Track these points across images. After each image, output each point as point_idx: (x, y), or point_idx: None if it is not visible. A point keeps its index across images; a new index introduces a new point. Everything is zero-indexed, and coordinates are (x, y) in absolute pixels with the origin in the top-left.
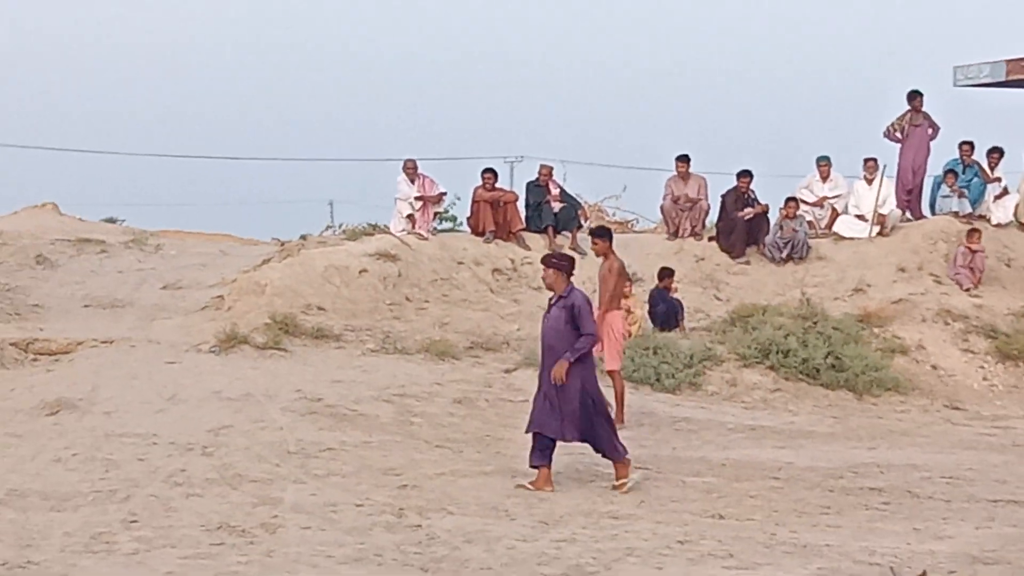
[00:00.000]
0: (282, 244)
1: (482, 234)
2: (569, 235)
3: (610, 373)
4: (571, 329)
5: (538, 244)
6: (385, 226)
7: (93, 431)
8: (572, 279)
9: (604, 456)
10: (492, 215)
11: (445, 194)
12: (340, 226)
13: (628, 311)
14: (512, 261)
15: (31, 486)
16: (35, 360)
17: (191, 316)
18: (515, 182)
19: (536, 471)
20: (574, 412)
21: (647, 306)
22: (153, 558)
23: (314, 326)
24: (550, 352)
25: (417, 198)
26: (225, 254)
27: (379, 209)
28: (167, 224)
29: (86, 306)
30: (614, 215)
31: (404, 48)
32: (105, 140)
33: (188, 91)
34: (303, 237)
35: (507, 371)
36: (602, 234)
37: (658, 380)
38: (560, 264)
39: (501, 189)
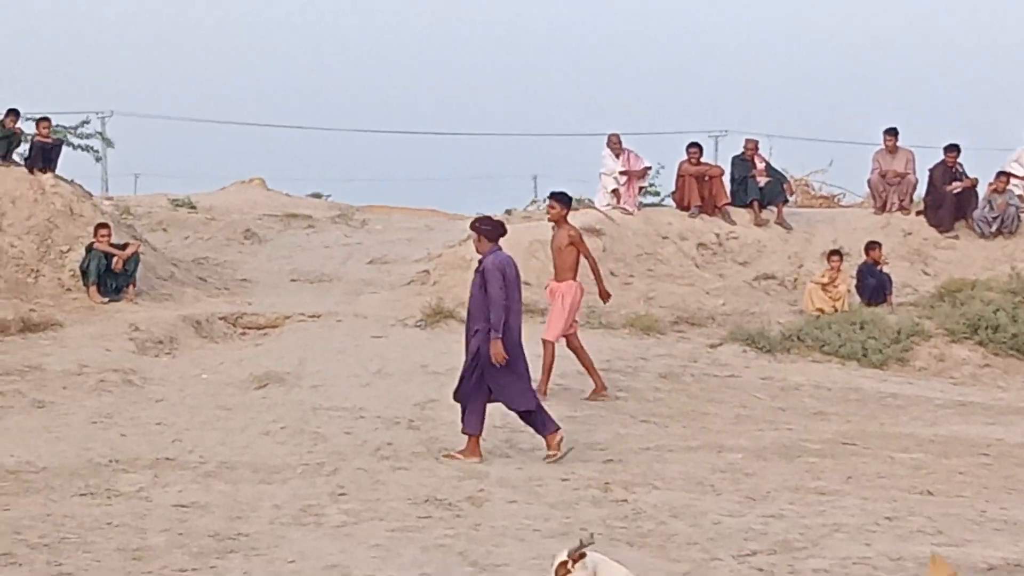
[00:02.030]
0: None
1: (687, 208)
2: (775, 209)
3: (543, 341)
4: (484, 294)
5: (743, 218)
6: (590, 200)
7: (301, 404)
8: (499, 244)
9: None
10: (697, 189)
11: (650, 169)
12: (545, 200)
13: (832, 285)
14: (717, 236)
15: (241, 459)
16: (243, 334)
17: (397, 290)
18: (720, 156)
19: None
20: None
21: (854, 280)
22: (361, 530)
23: None
24: (470, 318)
25: (622, 173)
26: (430, 229)
27: (583, 184)
28: (373, 199)
29: (293, 280)
30: (820, 189)
31: (609, 22)
32: (312, 116)
33: (394, 67)
34: (508, 212)
35: (712, 346)
36: (560, 199)
37: (865, 355)
38: (482, 228)
39: (706, 163)
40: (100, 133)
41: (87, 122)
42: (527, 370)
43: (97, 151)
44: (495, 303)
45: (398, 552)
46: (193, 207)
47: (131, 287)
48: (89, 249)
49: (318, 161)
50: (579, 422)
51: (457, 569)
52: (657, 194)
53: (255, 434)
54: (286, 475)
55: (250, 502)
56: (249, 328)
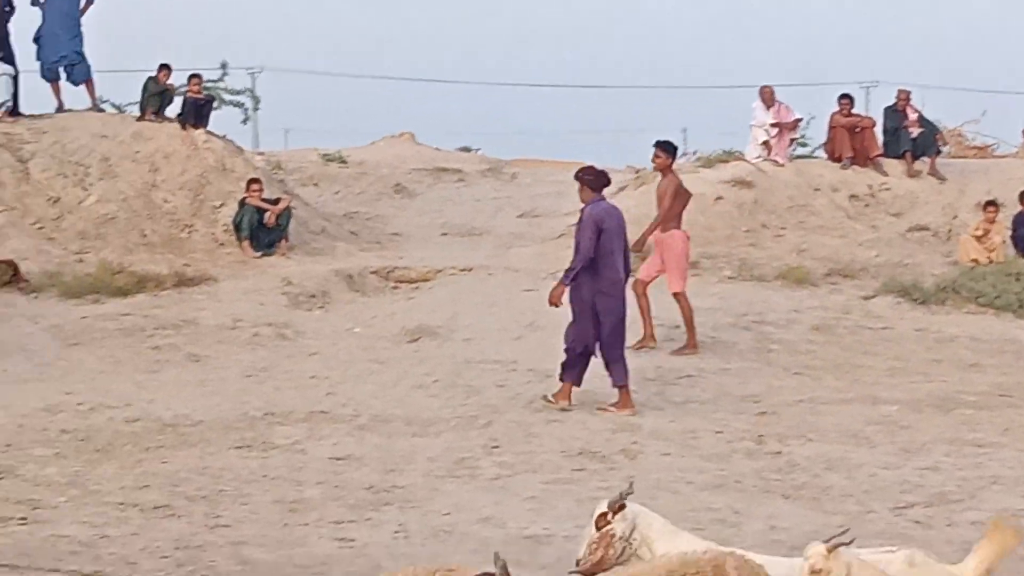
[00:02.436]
0: (637, 172)
1: (839, 160)
2: (927, 160)
3: (675, 295)
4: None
5: (896, 170)
6: (740, 153)
7: (453, 358)
8: (602, 194)
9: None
10: (849, 141)
11: (801, 120)
12: (695, 153)
13: (987, 236)
14: (870, 187)
15: (394, 412)
16: (395, 288)
17: (547, 244)
18: (871, 107)
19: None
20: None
21: (1009, 231)
22: (515, 483)
23: None
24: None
25: (773, 125)
26: None
27: (734, 136)
28: (522, 153)
29: (444, 234)
30: (974, 140)
31: None
32: (461, 69)
33: (542, 19)
34: None
35: (866, 298)
36: (666, 148)
37: (1021, 307)
38: (584, 178)
39: (858, 115)
40: (250, 90)
41: (226, 73)
42: (622, 320)
43: (246, 107)
44: (581, 253)
45: (552, 504)
46: (344, 162)
47: (283, 241)
48: (242, 204)
49: (467, 115)
50: (732, 374)
51: None
52: (806, 145)
53: (408, 387)
54: (439, 428)
55: (404, 455)
56: (401, 282)
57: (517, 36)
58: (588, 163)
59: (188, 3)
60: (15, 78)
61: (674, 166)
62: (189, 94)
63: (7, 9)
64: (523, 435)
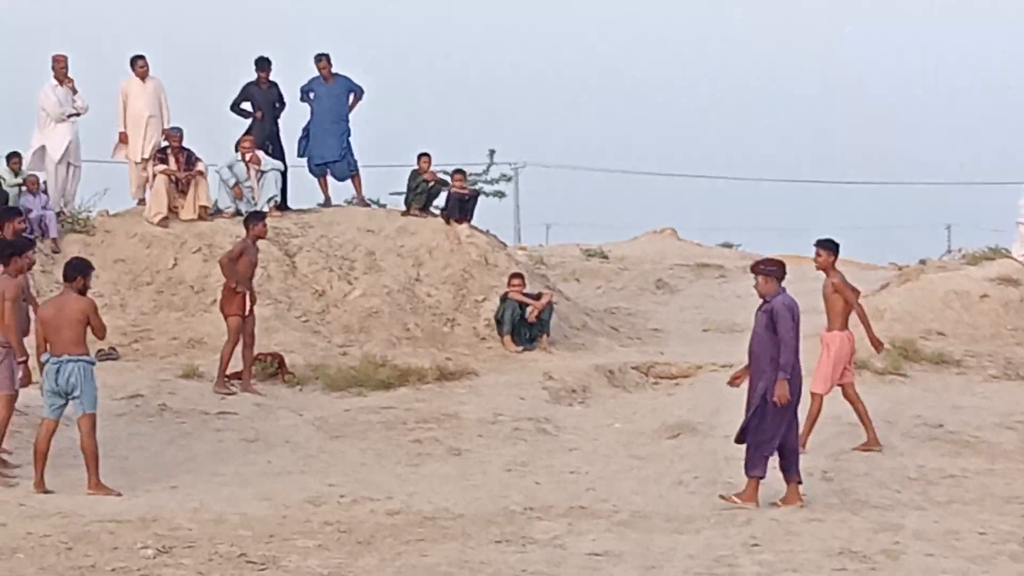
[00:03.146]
0: (900, 269)
1: None
2: None
3: (812, 394)
4: (772, 334)
5: None
6: (1007, 250)
7: (713, 454)
8: (784, 285)
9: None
10: None
11: None
12: (959, 250)
13: None
14: None
15: (654, 508)
16: (656, 384)
17: (808, 340)
18: None
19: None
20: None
21: None
22: None
23: (934, 351)
24: (753, 358)
25: None
26: None
27: (1000, 233)
28: (783, 249)
29: (705, 330)
30: None
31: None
32: (723, 165)
33: (809, 116)
34: (922, 261)
35: None
36: (827, 246)
37: None
38: (768, 270)
39: None
40: (508, 177)
41: (492, 164)
42: (795, 418)
43: (504, 193)
44: (786, 344)
45: None
46: (605, 257)
47: (544, 336)
48: (504, 299)
49: (730, 211)
50: (996, 475)
51: None
52: None
53: (668, 484)
54: (699, 525)
55: (664, 552)
56: (661, 377)
57: (780, 133)
58: (851, 259)
59: (454, 101)
60: (284, 173)
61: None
62: (454, 189)
63: (277, 105)
64: (783, 533)
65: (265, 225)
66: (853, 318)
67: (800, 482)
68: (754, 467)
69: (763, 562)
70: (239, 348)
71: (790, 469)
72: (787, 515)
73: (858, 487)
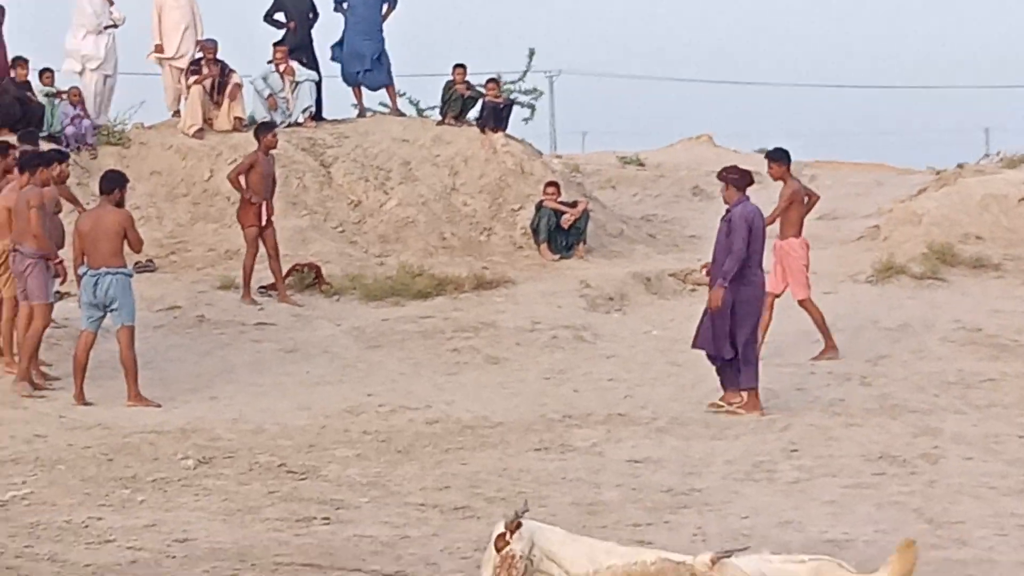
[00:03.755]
0: (938, 173)
1: None
2: None
3: (800, 303)
4: (729, 242)
5: None
6: None
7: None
8: (746, 194)
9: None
10: None
11: None
12: (997, 154)
13: None
14: None
15: (692, 414)
16: (693, 291)
17: (847, 246)
18: None
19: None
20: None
21: None
22: (814, 487)
23: (972, 256)
24: (714, 265)
25: None
26: (880, 184)
27: None
28: (822, 154)
29: None
30: None
31: None
32: (758, 71)
33: (838, 17)
34: (959, 166)
35: None
36: (778, 157)
37: None
38: (730, 178)
39: None
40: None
41: (528, 72)
42: (758, 322)
43: (532, 106)
44: (734, 254)
45: (852, 509)
46: (641, 164)
47: (581, 244)
48: (539, 207)
49: (766, 117)
50: None
51: (912, 526)
52: None
53: (706, 390)
54: (738, 431)
55: (702, 458)
56: (698, 284)
57: (817, 36)
58: (882, 163)
59: (488, 8)
60: (318, 84)
61: (791, 171)
62: (488, 98)
63: (311, 16)
64: (822, 439)
65: (275, 136)
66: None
67: (755, 389)
68: (748, 379)
69: (802, 467)
70: (269, 262)
71: (747, 377)
72: (825, 420)
73: (896, 392)
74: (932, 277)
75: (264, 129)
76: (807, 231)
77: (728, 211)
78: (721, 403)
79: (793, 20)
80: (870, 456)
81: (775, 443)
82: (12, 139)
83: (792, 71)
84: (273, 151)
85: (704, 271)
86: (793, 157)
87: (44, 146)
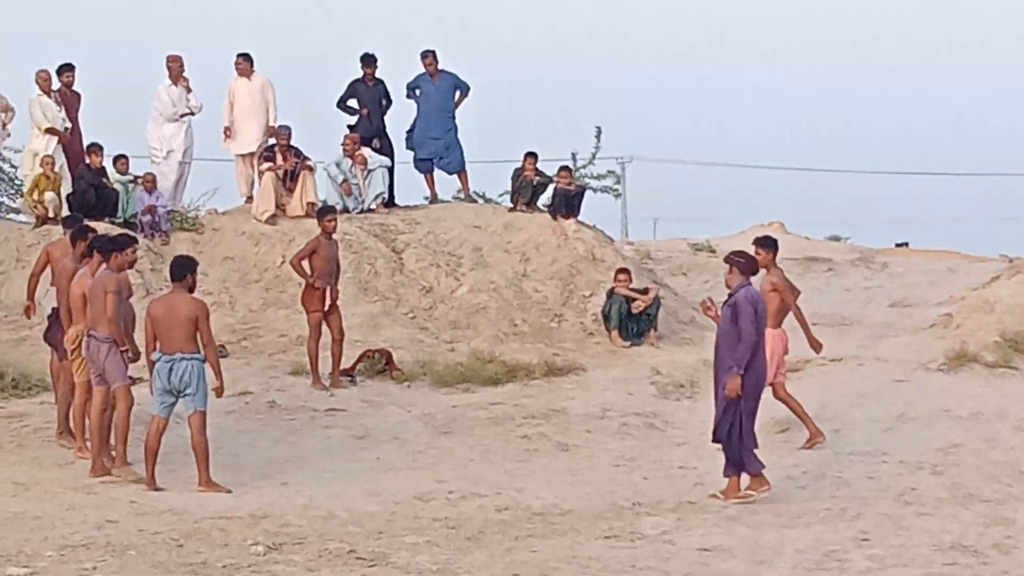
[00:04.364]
0: (1011, 261)
1: None
2: None
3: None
4: (735, 328)
5: None
6: None
7: (822, 448)
8: (751, 280)
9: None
10: None
11: None
12: None
13: None
14: None
15: (763, 503)
16: None
17: (919, 334)
18: None
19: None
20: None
21: None
22: None
23: None
24: (717, 352)
25: None
26: (952, 271)
27: None
28: (893, 241)
29: (813, 324)
30: None
31: None
32: (831, 158)
33: (913, 106)
34: None
35: None
36: (765, 244)
37: None
38: (735, 261)
39: None
40: (614, 173)
41: (596, 154)
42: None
43: (617, 190)
44: (745, 339)
45: None
46: (712, 251)
47: (652, 331)
48: (610, 294)
49: (837, 203)
50: None
51: None
52: None
53: (777, 478)
54: (808, 520)
55: (773, 547)
56: None
57: (889, 123)
58: (954, 250)
59: (558, 94)
60: (391, 170)
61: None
62: (560, 185)
63: (383, 103)
64: (893, 528)
65: (334, 219)
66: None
67: (753, 473)
68: (750, 465)
69: (873, 556)
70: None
71: (753, 464)
72: (897, 509)
73: (969, 481)
74: (1005, 366)
75: (324, 213)
76: (881, 317)
77: (731, 295)
78: (750, 492)
79: (865, 107)
80: (942, 546)
81: (846, 532)
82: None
83: (864, 158)
84: (336, 236)
85: (708, 311)
86: (863, 243)
87: (107, 229)
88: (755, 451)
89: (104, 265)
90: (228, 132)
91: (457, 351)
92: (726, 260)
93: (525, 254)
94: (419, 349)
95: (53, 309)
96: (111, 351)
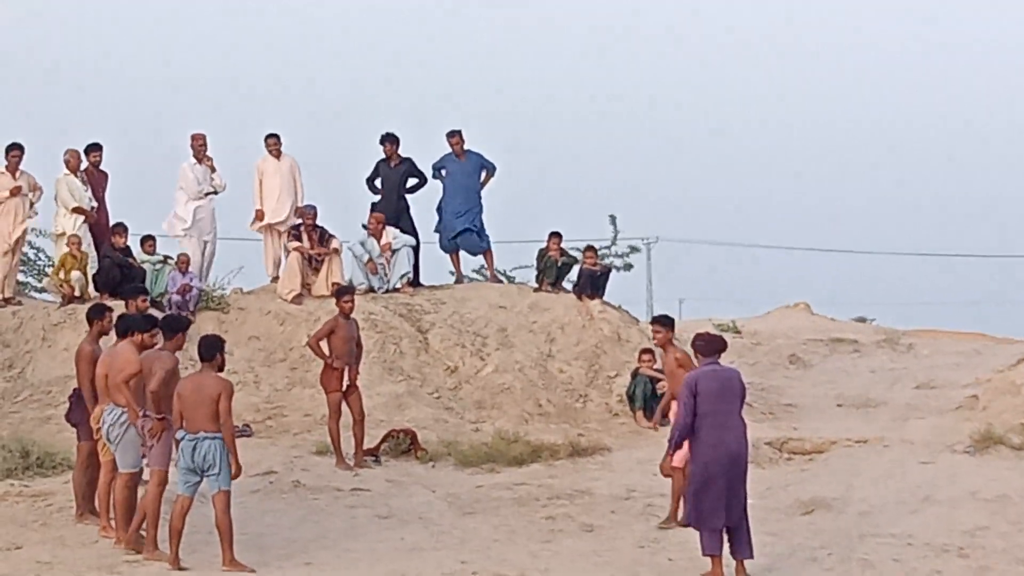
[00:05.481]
0: None
1: None
2: None
3: (672, 469)
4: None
5: None
6: None
7: (848, 531)
8: (716, 359)
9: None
10: None
11: None
12: None
13: None
14: None
15: None
16: (789, 459)
17: (945, 416)
18: None
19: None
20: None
21: None
22: None
23: None
24: None
25: None
26: (979, 353)
27: None
28: (919, 323)
29: (839, 405)
30: None
31: None
32: (857, 239)
33: (940, 185)
34: None
35: None
36: (664, 322)
37: None
38: (696, 344)
39: None
40: (636, 249)
41: (617, 234)
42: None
43: (631, 265)
44: (675, 423)
45: None
46: (738, 332)
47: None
48: (635, 374)
49: (863, 284)
50: None
51: None
52: None
53: (802, 560)
54: None
55: None
56: (795, 453)
57: (913, 204)
58: (981, 332)
59: (582, 177)
60: (416, 249)
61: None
62: (585, 265)
63: (409, 182)
64: None
65: (350, 300)
66: None
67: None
68: (707, 546)
69: None
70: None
71: (732, 545)
72: None
73: (995, 564)
74: None
75: (342, 293)
76: (907, 399)
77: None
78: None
79: (890, 188)
80: None
81: None
82: (111, 303)
83: (889, 239)
84: (361, 315)
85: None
86: (889, 325)
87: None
88: (715, 532)
89: (131, 342)
90: (260, 215)
91: (482, 431)
92: (691, 343)
93: (550, 334)
94: (444, 429)
95: (75, 389)
96: (166, 433)
